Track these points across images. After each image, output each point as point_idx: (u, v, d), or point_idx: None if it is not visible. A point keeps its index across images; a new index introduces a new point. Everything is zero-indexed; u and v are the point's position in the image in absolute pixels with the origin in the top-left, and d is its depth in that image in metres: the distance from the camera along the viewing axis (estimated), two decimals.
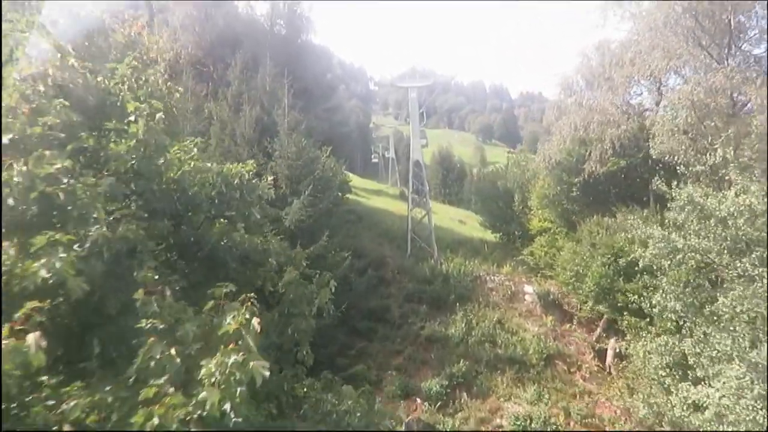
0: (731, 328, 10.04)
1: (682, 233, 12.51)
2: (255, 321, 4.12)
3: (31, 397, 3.24)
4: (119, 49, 6.86)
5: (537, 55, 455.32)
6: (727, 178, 12.51)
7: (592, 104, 20.57)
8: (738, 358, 9.80)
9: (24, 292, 3.37)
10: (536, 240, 25.62)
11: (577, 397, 17.35)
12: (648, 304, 13.44)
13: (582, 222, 21.78)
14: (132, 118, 4.91)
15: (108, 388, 3.38)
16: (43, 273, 3.38)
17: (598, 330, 20.41)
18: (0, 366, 2.95)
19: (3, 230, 3.65)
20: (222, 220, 5.70)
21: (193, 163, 5.37)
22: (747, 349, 9.92)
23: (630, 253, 16.08)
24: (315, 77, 35.35)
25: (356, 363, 18.23)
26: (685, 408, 10.35)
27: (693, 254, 12.24)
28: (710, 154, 12.82)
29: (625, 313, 17.27)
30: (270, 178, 6.94)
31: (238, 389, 3.32)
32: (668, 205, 16.52)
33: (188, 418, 3.16)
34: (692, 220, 12.29)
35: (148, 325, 3.55)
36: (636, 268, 14.73)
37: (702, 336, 11.25)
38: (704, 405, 9.91)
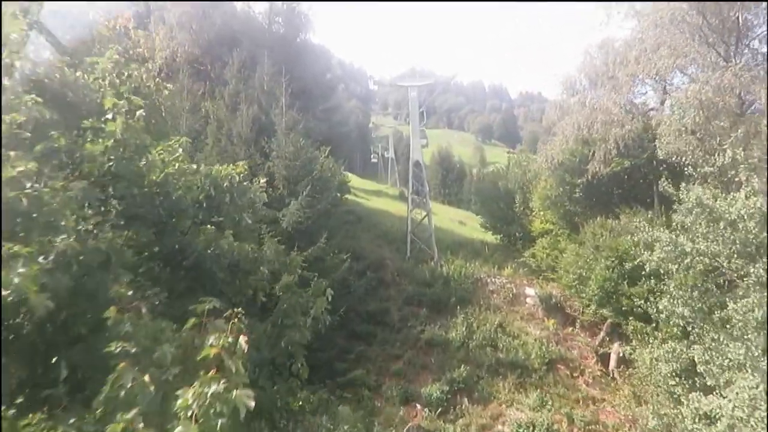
0: (745, 337, 9.63)
1: (690, 236, 12.15)
2: (242, 339, 3.74)
3: None
4: (103, 43, 6.48)
5: (536, 56, 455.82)
6: (737, 179, 12.13)
7: (596, 104, 20.16)
8: (751, 368, 9.42)
9: None
10: (538, 242, 25.23)
11: (580, 402, 16.99)
12: (655, 309, 13.08)
13: (585, 224, 21.39)
14: (109, 116, 4.50)
15: (72, 421, 2.98)
16: None
17: (602, 334, 20.03)
18: None
19: None
20: (210, 226, 5.30)
21: (177, 164, 4.96)
22: (760, 357, 9.56)
23: (635, 257, 15.73)
24: (314, 77, 34.94)
25: (355, 367, 17.86)
26: (696, 420, 9.95)
27: (701, 258, 11.89)
28: (719, 155, 12.45)
29: (630, 318, 16.87)
30: (262, 180, 6.53)
31: (219, 421, 2.94)
32: (673, 206, 16.17)
33: None
34: (700, 223, 11.92)
35: (118, 349, 3.15)
36: (643, 273, 14.32)
37: (712, 343, 10.87)
38: (716, 416, 9.52)
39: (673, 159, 14.22)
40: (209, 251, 5.03)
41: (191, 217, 5.13)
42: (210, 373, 3.06)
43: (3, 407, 3.07)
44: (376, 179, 73.74)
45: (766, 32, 16.60)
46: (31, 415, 3.10)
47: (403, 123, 74.80)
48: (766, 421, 8.53)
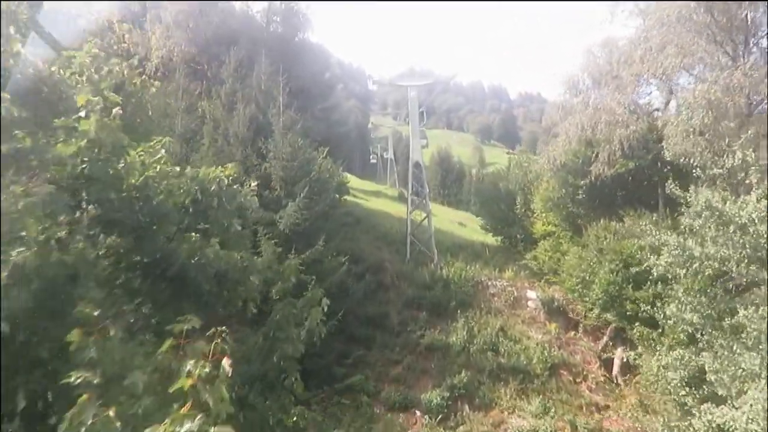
0: (760, 346, 9.25)
1: (699, 240, 11.79)
2: (225, 362, 3.34)
3: None
4: (84, 37, 6.07)
5: (535, 55, 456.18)
6: (747, 181, 11.77)
7: (599, 104, 19.77)
8: (766, 379, 9.04)
9: None
10: (540, 244, 24.86)
11: (584, 409, 16.62)
12: (662, 315, 12.71)
13: (588, 226, 21.03)
14: (83, 113, 4.09)
15: None
16: None
17: (605, 338, 19.68)
18: None
19: None
20: (194, 234, 4.89)
21: (159, 166, 4.55)
22: None
23: (641, 260, 15.35)
24: (312, 76, 34.49)
25: (353, 373, 17.49)
26: None
27: (710, 263, 11.53)
28: (728, 157, 12.09)
29: (636, 324, 16.48)
30: (253, 183, 6.12)
31: None
32: (679, 209, 15.79)
33: None
34: (710, 227, 11.56)
35: (78, 380, 2.74)
36: (650, 277, 13.95)
37: (723, 351, 10.48)
38: (729, 429, 9.13)
39: (681, 161, 13.86)
40: (194, 260, 4.63)
41: (175, 224, 4.72)
42: (184, 408, 2.66)
43: None
44: (375, 180, 73.43)
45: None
46: None
47: (402, 123, 74.36)
48: None
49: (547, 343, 19.27)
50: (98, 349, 2.95)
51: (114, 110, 4.19)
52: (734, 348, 10.05)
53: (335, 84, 47.83)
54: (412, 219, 27.45)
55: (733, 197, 11.64)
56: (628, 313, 17.17)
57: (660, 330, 14.78)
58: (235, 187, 5.55)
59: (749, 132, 12.06)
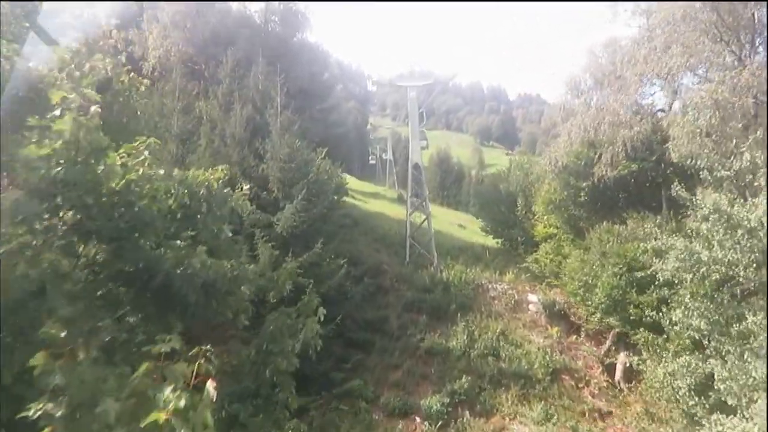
0: None
1: (706, 244, 11.51)
2: (210, 385, 3.03)
3: None
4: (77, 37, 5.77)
5: (534, 55, 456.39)
6: (756, 184, 11.48)
7: (602, 105, 19.46)
8: None
9: None
10: (541, 247, 24.56)
11: (586, 415, 16.30)
12: (668, 321, 12.41)
13: (590, 228, 20.71)
14: (57, 112, 3.78)
15: None
16: None
17: (607, 343, 19.35)
18: None
19: None
20: (179, 241, 4.57)
21: (142, 169, 4.23)
22: None
23: (645, 264, 15.04)
24: (311, 76, 34.19)
25: (352, 378, 17.12)
26: None
27: (717, 267, 11.25)
28: (736, 158, 11.81)
29: (641, 329, 16.14)
30: (246, 186, 5.81)
31: None
32: (683, 211, 15.47)
33: None
34: (717, 230, 11.28)
35: (38, 412, 2.43)
36: (656, 282, 13.64)
37: (732, 359, 10.18)
38: None
39: (687, 162, 13.60)
40: (180, 270, 4.31)
41: (159, 231, 4.40)
42: None
43: None
44: (374, 181, 73.13)
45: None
46: None
47: (401, 124, 74.03)
48: None
49: (548, 348, 18.97)
50: (65, 373, 2.64)
51: (92, 108, 3.87)
52: (744, 356, 9.74)
53: (334, 84, 47.50)
54: (411, 221, 27.14)
55: (741, 200, 11.36)
56: (631, 317, 16.86)
57: (665, 336, 14.46)
58: (226, 190, 5.23)
59: (758, 133, 11.76)
